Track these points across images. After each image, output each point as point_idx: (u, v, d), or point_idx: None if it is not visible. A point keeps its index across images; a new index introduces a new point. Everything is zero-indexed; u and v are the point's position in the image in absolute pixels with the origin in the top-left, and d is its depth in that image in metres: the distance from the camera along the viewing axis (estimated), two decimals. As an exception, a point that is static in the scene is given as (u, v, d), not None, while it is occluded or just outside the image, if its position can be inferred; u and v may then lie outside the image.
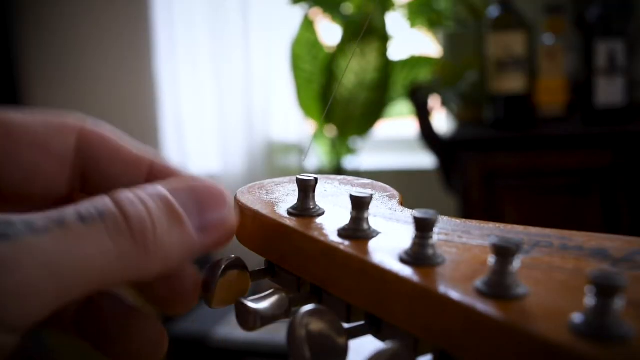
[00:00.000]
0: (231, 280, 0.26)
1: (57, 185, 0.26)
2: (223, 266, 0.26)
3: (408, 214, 0.27)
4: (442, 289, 0.20)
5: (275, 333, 1.53)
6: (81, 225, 0.20)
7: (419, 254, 0.21)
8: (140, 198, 0.22)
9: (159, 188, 0.22)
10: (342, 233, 0.24)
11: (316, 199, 0.27)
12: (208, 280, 0.26)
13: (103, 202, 0.21)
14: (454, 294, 0.19)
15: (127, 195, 0.21)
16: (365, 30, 1.64)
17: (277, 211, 0.27)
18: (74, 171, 0.26)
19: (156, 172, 0.26)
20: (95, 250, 0.20)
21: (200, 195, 0.23)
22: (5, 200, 0.25)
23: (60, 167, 0.26)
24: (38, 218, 0.19)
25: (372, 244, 0.23)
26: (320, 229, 0.25)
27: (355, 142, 1.83)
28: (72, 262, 0.19)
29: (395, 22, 1.79)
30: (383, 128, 1.94)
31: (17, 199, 0.25)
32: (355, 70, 1.70)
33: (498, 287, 0.19)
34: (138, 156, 0.27)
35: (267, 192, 0.29)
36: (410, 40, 1.88)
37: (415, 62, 1.78)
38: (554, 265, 0.21)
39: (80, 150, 0.26)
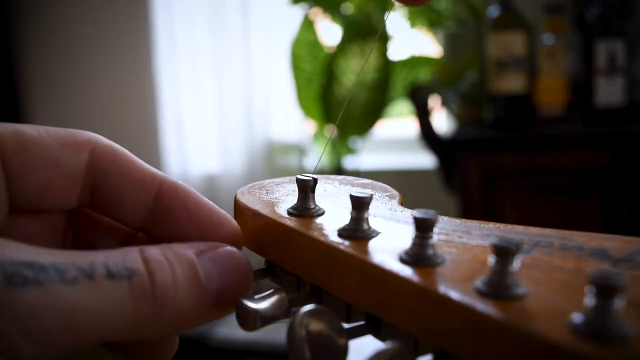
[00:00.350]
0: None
1: (68, 201, 0.27)
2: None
3: (408, 214, 0.27)
4: (442, 289, 0.20)
5: (275, 333, 1.53)
6: (108, 283, 0.21)
7: (419, 254, 0.21)
8: (170, 261, 0.23)
9: (190, 253, 0.24)
10: (342, 233, 0.24)
11: (316, 199, 0.27)
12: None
13: (134, 260, 0.22)
14: (454, 294, 0.19)
15: (158, 258, 0.23)
16: (367, 31, 1.64)
17: (277, 211, 0.27)
18: (84, 187, 0.27)
19: (165, 192, 0.27)
20: (115, 310, 0.21)
21: (224, 262, 0.25)
22: (16, 213, 0.26)
23: (72, 183, 0.26)
24: (69, 266, 0.21)
25: (372, 244, 0.23)
26: (320, 229, 0.25)
27: (355, 142, 1.83)
28: (91, 315, 0.20)
29: (395, 22, 1.79)
30: (383, 128, 1.94)
31: (28, 213, 0.26)
32: (356, 70, 1.70)
33: (498, 287, 0.19)
34: (148, 174, 0.27)
35: (267, 192, 0.29)
36: (410, 40, 1.88)
37: (415, 62, 1.78)
38: (554, 265, 0.21)
39: (92, 167, 0.27)
